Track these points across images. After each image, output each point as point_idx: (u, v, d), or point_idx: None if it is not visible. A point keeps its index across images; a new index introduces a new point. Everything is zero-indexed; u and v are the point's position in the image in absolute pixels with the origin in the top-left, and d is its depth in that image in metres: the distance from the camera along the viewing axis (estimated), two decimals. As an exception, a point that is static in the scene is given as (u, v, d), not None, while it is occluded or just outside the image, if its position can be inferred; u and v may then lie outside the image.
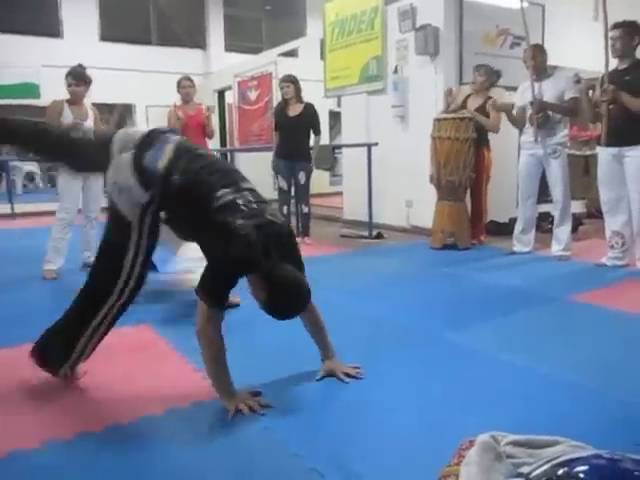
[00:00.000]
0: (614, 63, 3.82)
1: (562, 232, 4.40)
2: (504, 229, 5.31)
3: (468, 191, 5.00)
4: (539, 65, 4.29)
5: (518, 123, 4.61)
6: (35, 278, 4.01)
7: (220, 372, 1.98)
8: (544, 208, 5.15)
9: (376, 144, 5.69)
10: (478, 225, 5.10)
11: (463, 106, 4.97)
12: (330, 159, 6.58)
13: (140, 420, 1.88)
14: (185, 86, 4.96)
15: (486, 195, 5.09)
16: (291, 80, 5.22)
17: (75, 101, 4.14)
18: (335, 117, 9.06)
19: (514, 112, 4.61)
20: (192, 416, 1.93)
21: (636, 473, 0.75)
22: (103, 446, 1.73)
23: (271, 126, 5.38)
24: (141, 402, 2.03)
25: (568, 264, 4.24)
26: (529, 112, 4.33)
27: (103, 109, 11.00)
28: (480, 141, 4.87)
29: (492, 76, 4.98)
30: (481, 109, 4.86)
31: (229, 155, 9.06)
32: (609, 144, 3.81)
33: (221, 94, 10.25)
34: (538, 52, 4.31)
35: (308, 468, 1.57)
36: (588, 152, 6.53)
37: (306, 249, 4.42)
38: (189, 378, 2.26)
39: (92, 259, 4.31)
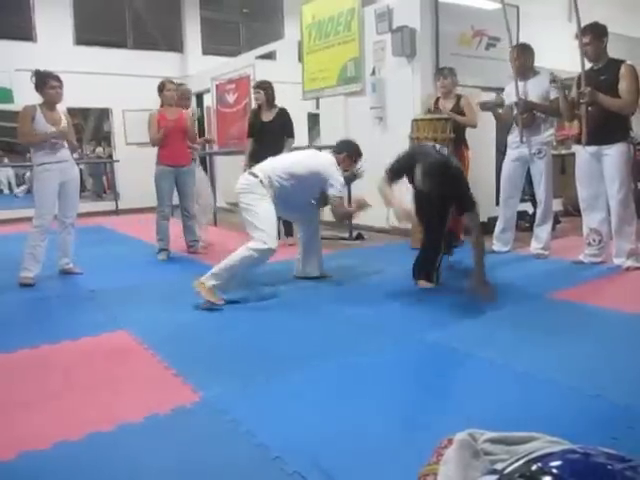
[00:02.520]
0: (589, 63, 3.87)
1: (543, 231, 4.45)
2: (483, 228, 5.34)
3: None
4: (523, 64, 4.32)
5: (505, 121, 4.65)
6: (11, 286, 3.95)
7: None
8: (522, 207, 5.20)
9: (355, 145, 5.69)
10: (457, 225, 5.13)
11: (436, 108, 5.00)
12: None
13: (120, 427, 1.86)
14: (170, 89, 4.92)
15: None
16: (262, 87, 5.18)
17: (52, 105, 4.08)
18: (314, 119, 9.06)
19: (500, 111, 4.66)
20: (172, 422, 1.91)
21: (609, 467, 0.76)
22: (82, 455, 1.71)
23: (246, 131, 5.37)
24: (121, 409, 2.01)
25: (546, 262, 4.29)
26: (515, 112, 4.37)
27: (78, 114, 10.91)
28: (458, 140, 4.91)
29: (454, 76, 5.01)
30: (455, 109, 4.89)
31: (208, 158, 9.00)
32: (589, 144, 3.85)
33: (199, 97, 10.19)
34: (521, 52, 4.34)
35: (291, 471, 1.57)
36: (564, 151, 6.63)
37: (288, 250, 4.41)
38: (169, 383, 2.24)
39: (70, 265, 4.31)
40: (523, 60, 4.32)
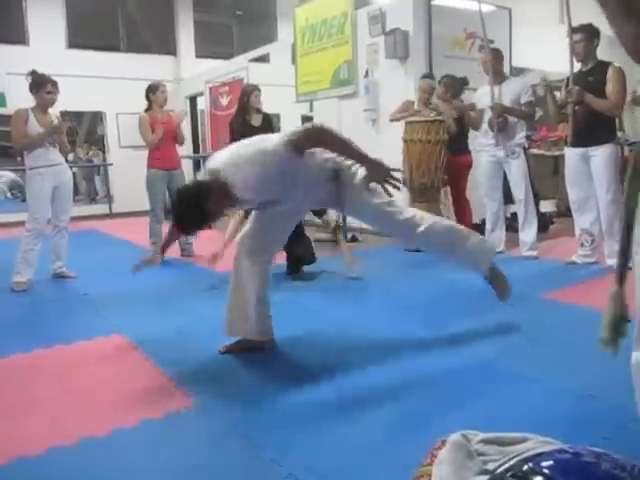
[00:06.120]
0: (578, 65, 3.90)
1: (527, 235, 4.47)
2: (477, 230, 5.37)
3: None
4: (497, 69, 4.38)
5: (475, 125, 4.69)
6: (4, 290, 3.93)
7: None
8: (514, 209, 5.23)
9: (349, 148, 5.71)
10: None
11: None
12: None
13: (114, 432, 1.86)
14: (164, 91, 4.94)
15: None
16: (259, 89, 5.23)
17: (45, 109, 4.08)
18: (308, 121, 9.05)
19: (472, 114, 4.69)
20: (166, 426, 1.91)
21: (599, 466, 0.77)
22: (76, 460, 1.70)
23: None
24: (115, 413, 2.01)
25: (539, 262, 4.30)
26: (487, 115, 4.40)
27: (71, 117, 10.86)
28: (460, 145, 4.98)
29: (451, 87, 5.01)
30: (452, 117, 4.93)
31: (201, 161, 9.01)
32: (576, 144, 3.89)
33: (193, 100, 10.19)
34: (495, 55, 4.40)
35: (285, 474, 1.57)
36: (557, 152, 6.66)
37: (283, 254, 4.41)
38: (163, 388, 2.23)
39: (63, 269, 4.29)
40: (496, 63, 4.37)
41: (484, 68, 4.40)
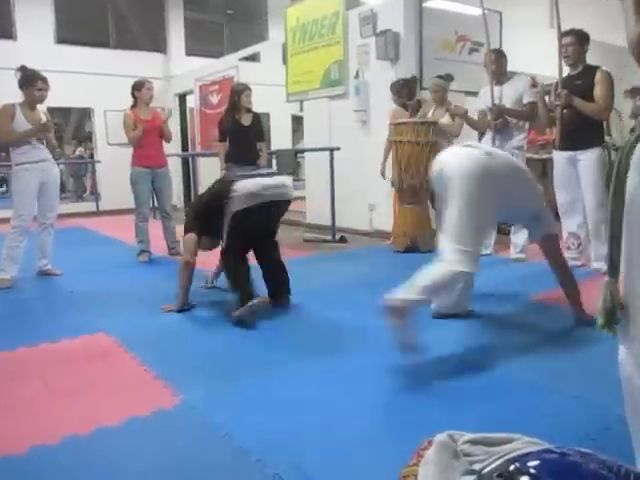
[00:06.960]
0: (567, 69, 3.93)
1: (519, 237, 4.47)
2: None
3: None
4: (499, 69, 4.37)
5: (479, 126, 4.69)
6: (-12, 287, 3.89)
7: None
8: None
9: (338, 148, 5.71)
10: None
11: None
12: (293, 163, 6.58)
13: (99, 431, 1.84)
14: (150, 88, 4.91)
15: None
16: (250, 89, 5.24)
17: (33, 105, 4.03)
18: (298, 121, 9.07)
19: (475, 116, 4.69)
20: (152, 425, 1.89)
21: (585, 466, 0.77)
22: (60, 459, 1.68)
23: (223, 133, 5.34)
24: (100, 412, 1.99)
25: (526, 265, 4.32)
26: (488, 117, 4.41)
27: (58, 114, 10.78)
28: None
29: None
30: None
31: (190, 159, 8.97)
32: (564, 148, 3.91)
33: (182, 98, 10.15)
34: (498, 57, 4.39)
35: (271, 474, 1.56)
36: (545, 155, 6.69)
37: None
38: (149, 386, 2.22)
39: (49, 267, 4.25)
40: (499, 65, 4.36)
41: (487, 69, 4.37)
